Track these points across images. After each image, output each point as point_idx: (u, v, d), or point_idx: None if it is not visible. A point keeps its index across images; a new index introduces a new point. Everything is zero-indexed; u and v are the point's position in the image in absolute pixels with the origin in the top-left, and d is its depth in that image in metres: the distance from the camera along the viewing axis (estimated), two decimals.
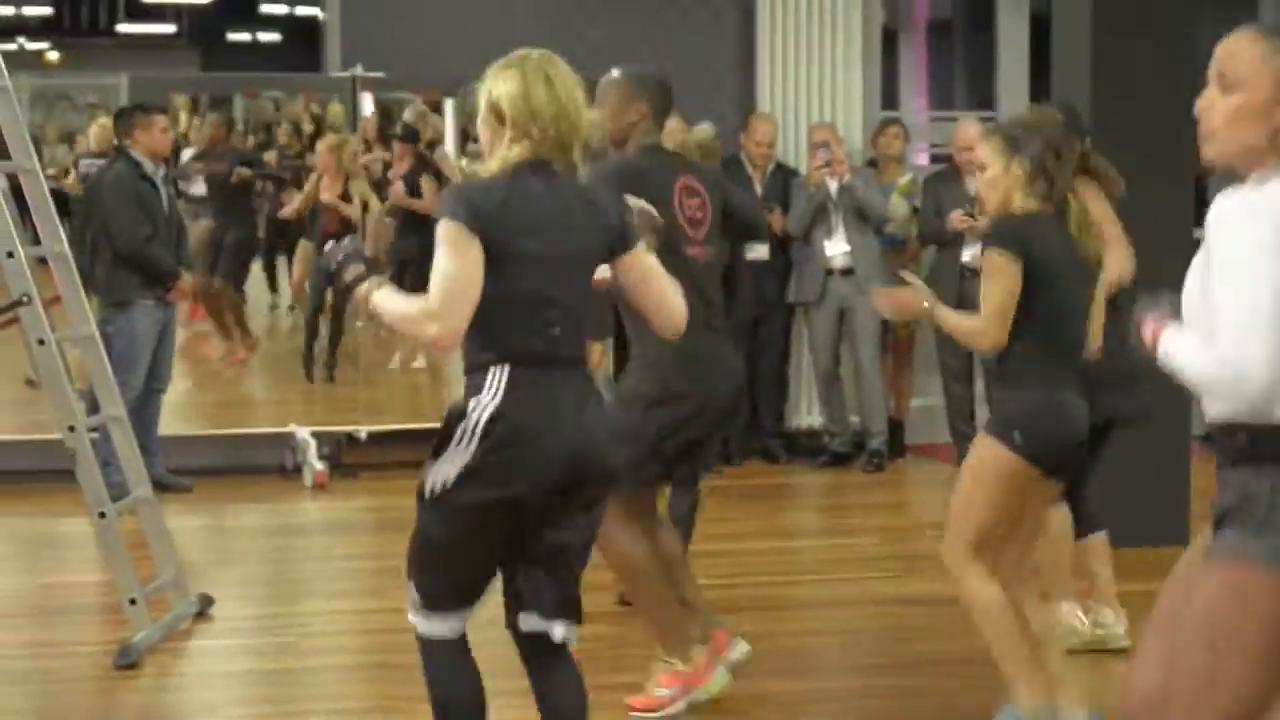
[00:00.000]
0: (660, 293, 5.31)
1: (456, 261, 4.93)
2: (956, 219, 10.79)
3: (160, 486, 9.50)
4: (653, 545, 7.26)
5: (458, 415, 5.02)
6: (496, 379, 5.01)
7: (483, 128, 5.26)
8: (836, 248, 12.54)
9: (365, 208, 13.05)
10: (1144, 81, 9.52)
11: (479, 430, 4.98)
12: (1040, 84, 13.12)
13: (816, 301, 12.70)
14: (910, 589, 9.29)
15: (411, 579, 5.22)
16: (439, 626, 5.21)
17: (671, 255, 6.62)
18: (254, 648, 8.35)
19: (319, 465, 11.98)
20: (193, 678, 7.92)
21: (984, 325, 6.40)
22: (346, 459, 12.30)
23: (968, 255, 11.44)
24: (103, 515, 8.11)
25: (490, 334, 5.03)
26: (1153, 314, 4.26)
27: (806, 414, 13.35)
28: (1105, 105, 9.24)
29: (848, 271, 12.56)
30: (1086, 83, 9.69)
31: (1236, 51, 4.18)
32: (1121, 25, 9.58)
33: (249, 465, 12.29)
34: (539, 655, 5.31)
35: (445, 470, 5.02)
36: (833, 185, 12.49)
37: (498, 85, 5.17)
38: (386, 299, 5.16)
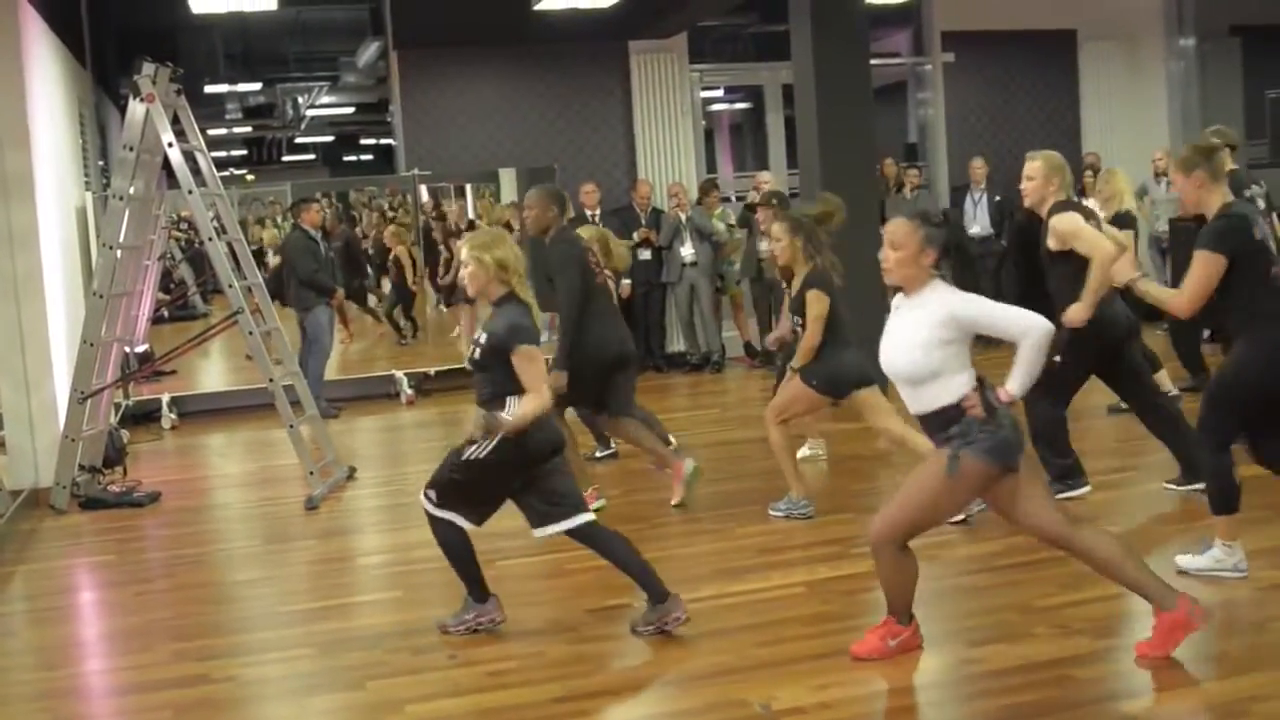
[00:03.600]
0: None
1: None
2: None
3: (321, 412, 9.51)
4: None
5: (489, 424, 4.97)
6: (510, 406, 5.00)
7: (481, 274, 5.12)
8: (687, 251, 12.59)
9: (414, 261, 13.02)
10: (845, 150, 9.60)
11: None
12: (791, 154, 13.19)
13: (678, 281, 12.72)
14: (735, 435, 9.39)
15: (434, 489, 5.14)
16: (445, 514, 5.16)
17: (593, 285, 7.14)
18: (380, 493, 8.36)
19: (409, 391, 11.95)
20: (348, 512, 7.92)
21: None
22: (424, 387, 12.25)
23: (764, 247, 11.64)
24: (291, 426, 8.19)
25: (510, 383, 5.02)
26: None
27: (676, 343, 13.28)
28: (829, 164, 9.30)
29: (694, 264, 12.62)
30: (815, 152, 9.78)
31: (897, 229, 4.49)
32: (831, 122, 9.66)
33: (371, 393, 12.20)
34: (587, 534, 5.20)
35: (478, 451, 5.00)
36: (682, 216, 12.57)
37: (498, 251, 5.10)
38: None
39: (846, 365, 6.72)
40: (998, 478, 4.40)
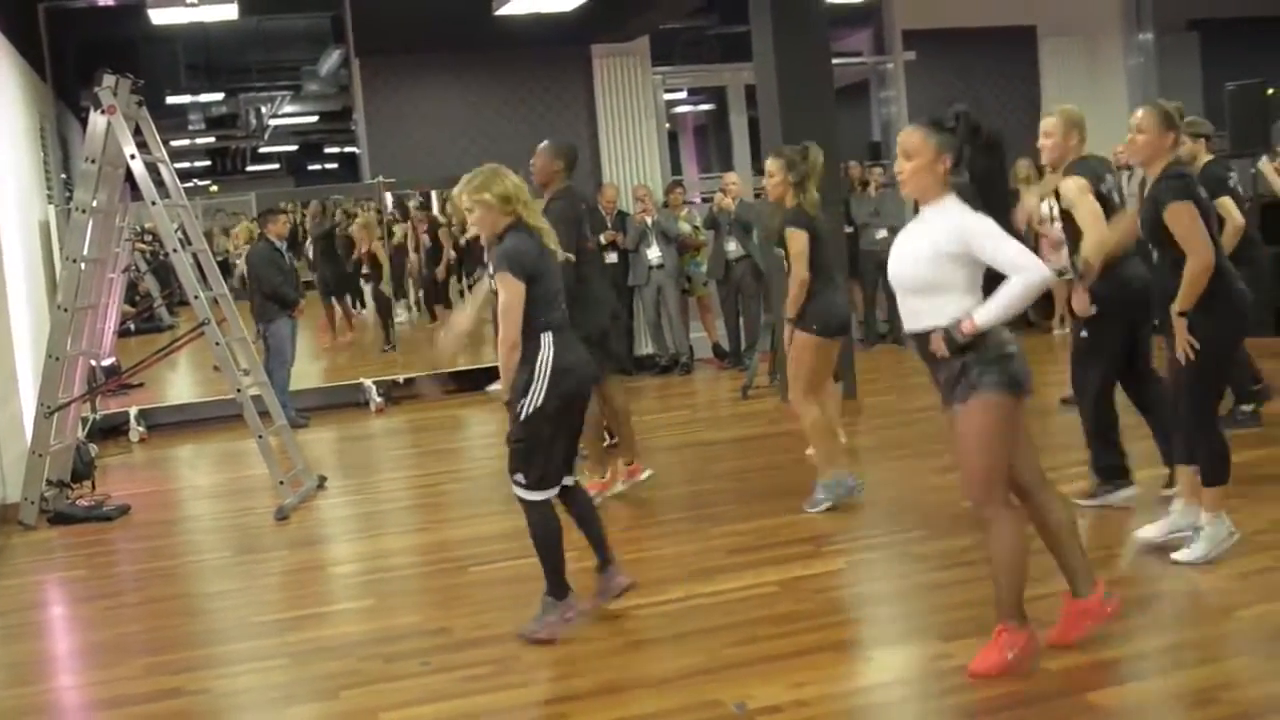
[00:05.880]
0: None
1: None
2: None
3: (290, 421, 9.48)
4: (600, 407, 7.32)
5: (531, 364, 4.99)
6: (548, 341, 5.02)
7: (488, 215, 5.06)
8: (653, 253, 12.59)
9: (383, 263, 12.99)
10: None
11: (548, 371, 5.00)
12: (756, 155, 13.18)
13: (645, 283, 12.74)
14: (705, 436, 9.42)
15: (519, 472, 5.03)
16: (538, 496, 5.06)
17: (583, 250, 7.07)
18: (350, 502, 8.33)
19: (378, 400, 11.93)
20: (319, 522, 7.89)
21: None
22: (393, 395, 12.23)
23: (731, 248, 12.03)
24: (260, 437, 8.17)
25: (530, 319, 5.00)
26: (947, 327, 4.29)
27: (645, 346, 13.29)
28: None
29: (660, 266, 12.64)
30: None
31: (909, 138, 4.38)
32: (794, 122, 9.67)
33: (340, 402, 12.20)
34: (568, 492, 5.24)
35: (532, 400, 4.97)
36: (648, 219, 12.60)
37: (498, 186, 5.06)
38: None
39: (838, 306, 6.84)
40: (1018, 406, 4.35)
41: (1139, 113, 5.47)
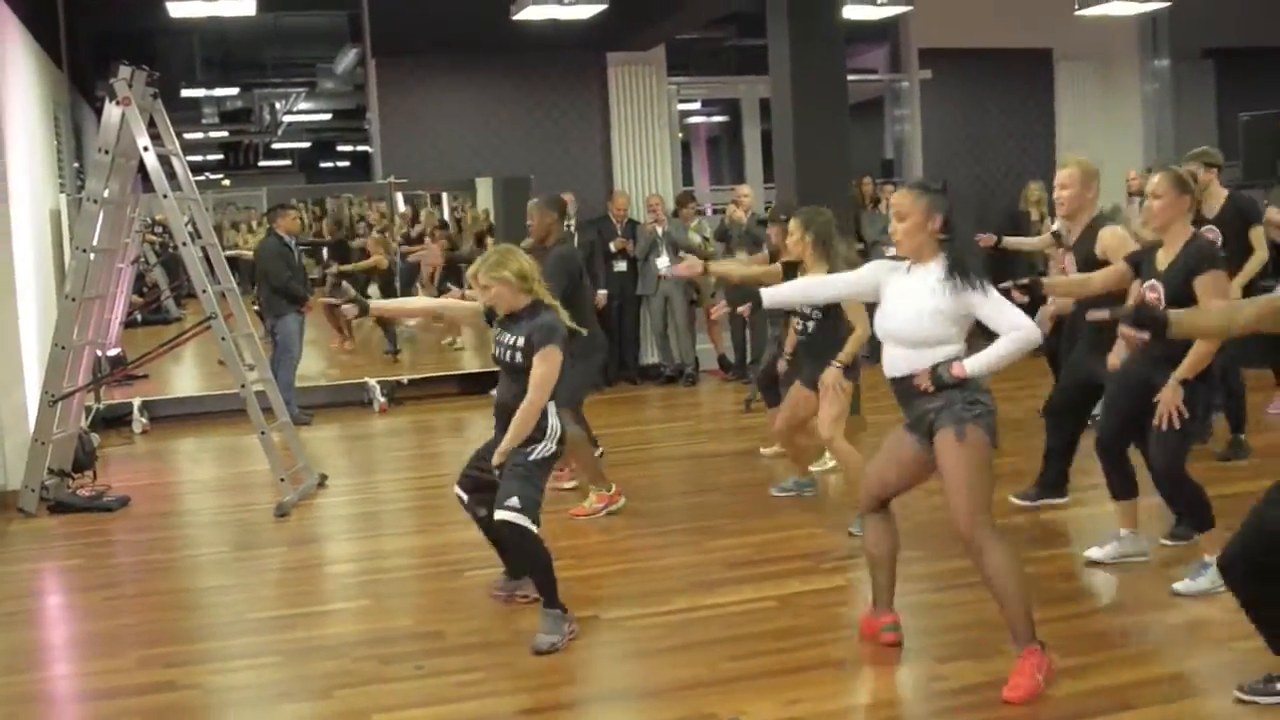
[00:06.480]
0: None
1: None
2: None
3: (294, 418, 9.45)
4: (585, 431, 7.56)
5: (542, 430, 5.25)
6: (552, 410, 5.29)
7: (507, 290, 5.30)
8: (663, 263, 12.53)
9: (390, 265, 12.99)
10: (821, 165, 9.58)
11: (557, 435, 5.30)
12: (768, 168, 13.19)
13: (653, 293, 12.73)
14: (708, 448, 9.39)
15: (526, 507, 5.10)
16: (536, 525, 5.11)
17: (581, 292, 7.45)
18: (351, 501, 8.31)
19: (381, 399, 11.90)
20: (318, 520, 7.87)
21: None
22: (397, 395, 12.22)
23: (742, 258, 11.83)
24: (263, 433, 8.15)
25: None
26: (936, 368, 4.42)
27: (650, 355, 13.27)
28: (805, 179, 9.31)
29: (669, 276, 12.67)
30: (791, 167, 9.75)
31: (900, 200, 4.54)
32: (808, 137, 9.65)
33: (344, 400, 12.16)
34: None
35: (545, 448, 5.24)
36: (659, 229, 12.59)
37: (515, 265, 5.31)
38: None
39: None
40: (990, 456, 4.44)
41: (1154, 179, 5.50)
